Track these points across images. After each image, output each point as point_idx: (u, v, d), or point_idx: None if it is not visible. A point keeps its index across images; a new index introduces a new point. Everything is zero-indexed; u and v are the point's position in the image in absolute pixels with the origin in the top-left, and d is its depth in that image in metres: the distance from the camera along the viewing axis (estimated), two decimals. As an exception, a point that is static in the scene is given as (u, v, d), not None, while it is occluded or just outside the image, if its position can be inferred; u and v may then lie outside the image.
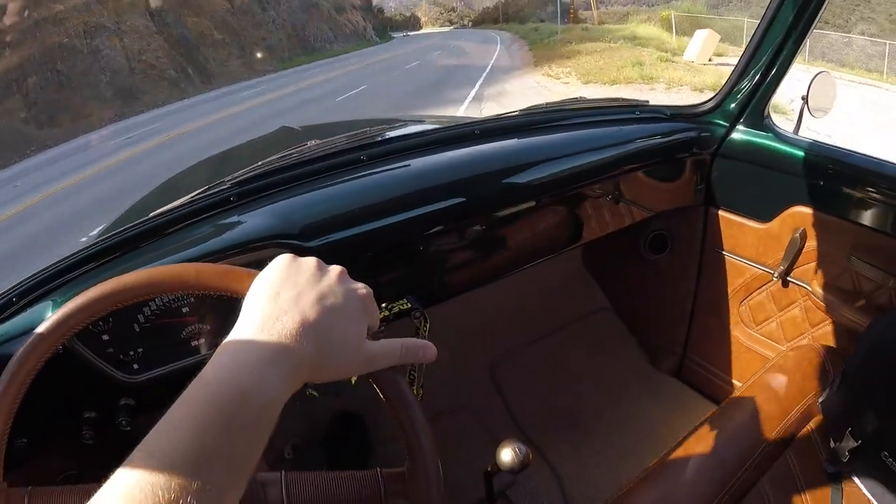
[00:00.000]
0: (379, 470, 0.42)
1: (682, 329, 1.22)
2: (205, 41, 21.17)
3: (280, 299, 0.30)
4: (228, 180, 0.79)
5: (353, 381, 0.80)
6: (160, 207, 0.74)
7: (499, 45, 18.74)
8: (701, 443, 0.70)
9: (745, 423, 0.72)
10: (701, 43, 9.98)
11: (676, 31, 14.37)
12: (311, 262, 0.33)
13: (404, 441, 0.39)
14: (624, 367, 1.34)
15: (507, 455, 0.59)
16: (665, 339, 1.29)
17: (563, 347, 1.40)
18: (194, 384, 0.26)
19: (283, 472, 0.42)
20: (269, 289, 0.30)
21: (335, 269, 0.34)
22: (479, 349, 1.36)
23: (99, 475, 0.24)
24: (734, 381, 1.15)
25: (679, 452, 0.69)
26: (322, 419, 1.18)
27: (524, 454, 0.60)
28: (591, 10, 25.39)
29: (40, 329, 0.40)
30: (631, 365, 1.34)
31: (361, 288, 0.34)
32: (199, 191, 0.78)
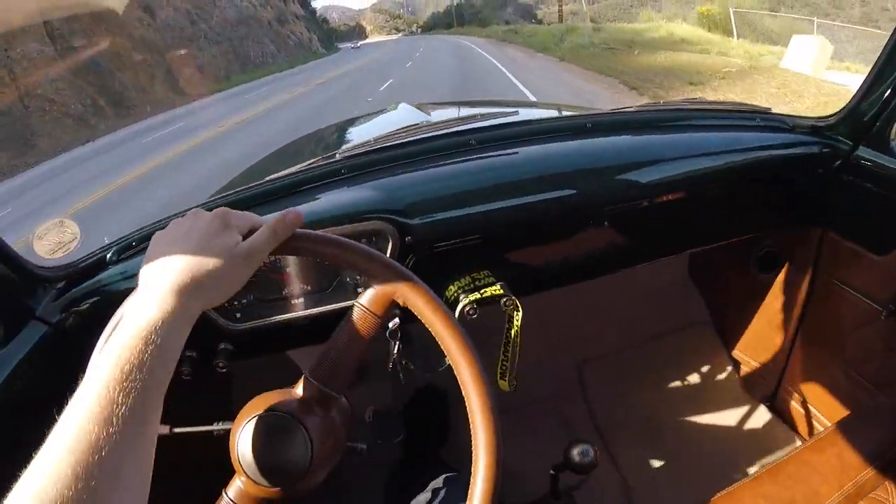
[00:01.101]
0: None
1: (782, 356, 1.26)
2: (121, 64, 20.10)
3: (155, 255, 0.43)
4: (340, 153, 0.92)
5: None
6: (274, 172, 0.87)
7: (488, 56, 16.58)
8: (781, 477, 0.75)
9: (830, 465, 0.77)
10: (813, 50, 8.51)
11: (730, 33, 12.68)
12: (182, 219, 0.46)
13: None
14: (714, 387, 1.40)
15: (576, 454, 0.66)
16: (762, 363, 1.33)
17: (655, 356, 1.46)
18: None
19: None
20: (152, 249, 0.44)
21: (193, 213, 0.46)
22: (571, 346, 1.45)
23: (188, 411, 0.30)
24: (826, 420, 1.18)
25: (756, 482, 0.75)
26: (407, 393, 1.35)
27: (593, 456, 0.66)
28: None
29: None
30: (722, 385, 1.40)
31: (214, 212, 0.46)
32: (313, 160, 0.92)
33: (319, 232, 0.50)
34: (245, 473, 0.49)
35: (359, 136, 1.46)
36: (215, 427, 0.64)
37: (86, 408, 0.33)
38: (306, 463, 0.48)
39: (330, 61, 29.08)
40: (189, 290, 0.41)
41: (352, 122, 1.83)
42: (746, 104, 1.07)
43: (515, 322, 0.86)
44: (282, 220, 0.46)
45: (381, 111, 1.77)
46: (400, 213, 0.77)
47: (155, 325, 0.37)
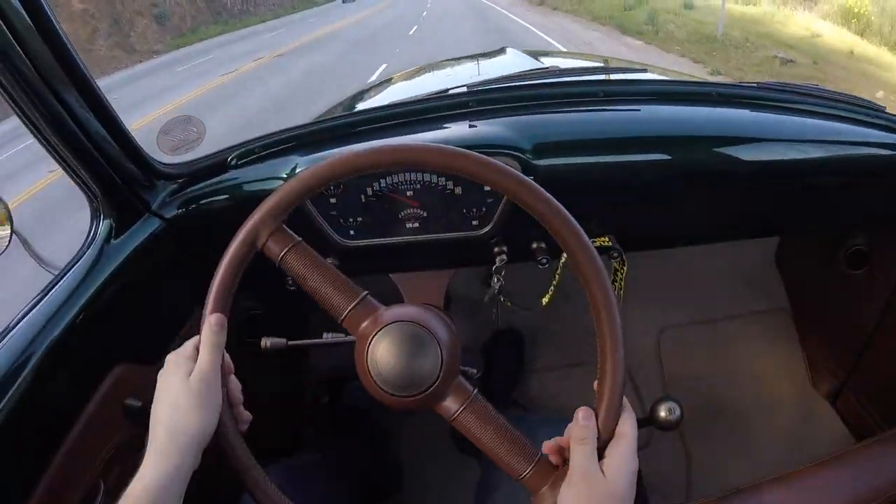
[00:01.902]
0: (540, 454, 0.57)
1: (854, 356, 1.42)
2: (57, 15, 20.87)
3: (153, 414, 0.57)
4: (468, 87, 1.06)
5: (545, 300, 1.07)
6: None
7: (537, 31, 13.14)
8: (842, 467, 0.86)
9: (889, 464, 0.86)
10: None
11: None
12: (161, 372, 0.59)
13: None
14: (783, 376, 1.61)
15: (663, 409, 0.79)
16: (833, 360, 1.51)
17: (730, 335, 1.68)
18: None
19: (474, 392, 0.59)
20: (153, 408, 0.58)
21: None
22: (652, 313, 1.68)
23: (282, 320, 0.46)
24: (886, 426, 1.33)
25: (814, 470, 0.85)
26: (486, 333, 1.60)
27: (679, 413, 0.79)
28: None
29: (341, 159, 0.60)
30: (791, 376, 1.60)
31: (171, 355, 0.60)
32: (439, 91, 1.07)
33: (448, 146, 0.61)
34: (373, 380, 0.59)
35: (475, 74, 1.64)
36: (331, 339, 0.76)
37: None
38: (434, 378, 0.58)
39: (321, 13, 28.15)
40: (179, 445, 0.54)
41: (465, 59, 2.05)
42: (864, 99, 1.19)
43: (620, 276, 1.01)
44: (207, 328, 0.60)
45: (490, 53, 1.99)
46: (526, 152, 0.89)
47: (147, 488, 0.51)
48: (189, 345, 0.61)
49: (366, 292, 0.63)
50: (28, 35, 0.66)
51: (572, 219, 0.59)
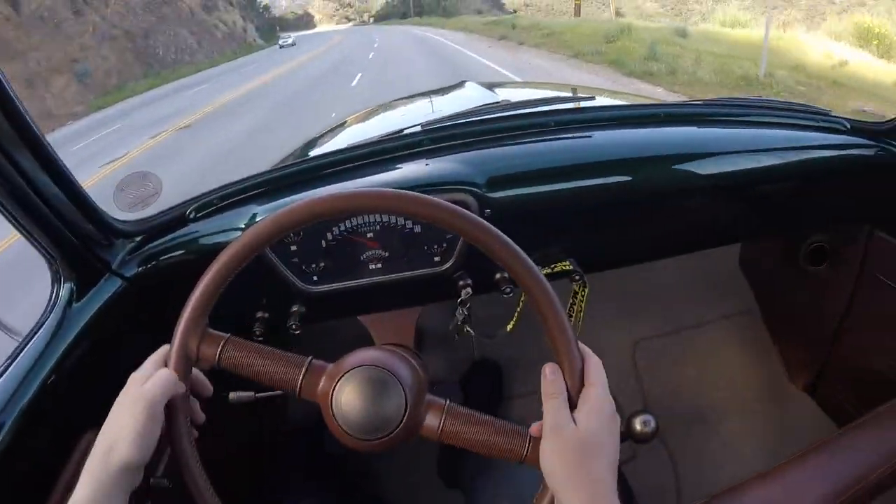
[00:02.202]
0: (529, 430, 0.61)
1: (825, 348, 1.56)
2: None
3: None
4: (423, 125, 1.13)
5: (510, 327, 1.17)
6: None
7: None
8: (822, 455, 0.96)
9: (870, 447, 0.97)
10: None
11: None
12: None
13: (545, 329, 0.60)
14: (758, 374, 1.75)
15: (639, 423, 0.81)
16: (806, 354, 1.65)
17: (703, 342, 1.82)
18: None
19: (447, 402, 0.63)
20: None
21: None
22: (625, 326, 1.81)
23: None
24: (865, 411, 1.42)
25: (796, 463, 0.95)
26: (463, 365, 1.70)
27: (654, 425, 0.81)
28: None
29: (260, 227, 0.62)
30: (766, 373, 1.75)
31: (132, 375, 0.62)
32: (394, 131, 1.12)
33: (405, 191, 0.64)
34: (341, 428, 0.62)
35: (429, 112, 1.74)
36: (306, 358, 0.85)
37: None
38: (400, 418, 0.62)
39: (261, 58, 29.24)
40: (108, 472, 0.56)
41: (421, 96, 2.16)
42: (809, 105, 1.32)
43: (580, 297, 1.09)
44: (164, 377, 0.62)
45: (448, 88, 2.10)
46: (481, 186, 0.96)
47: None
48: (146, 366, 0.64)
49: (310, 357, 0.66)
50: None
51: (504, 238, 0.63)
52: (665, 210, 1.14)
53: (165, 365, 0.64)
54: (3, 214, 0.81)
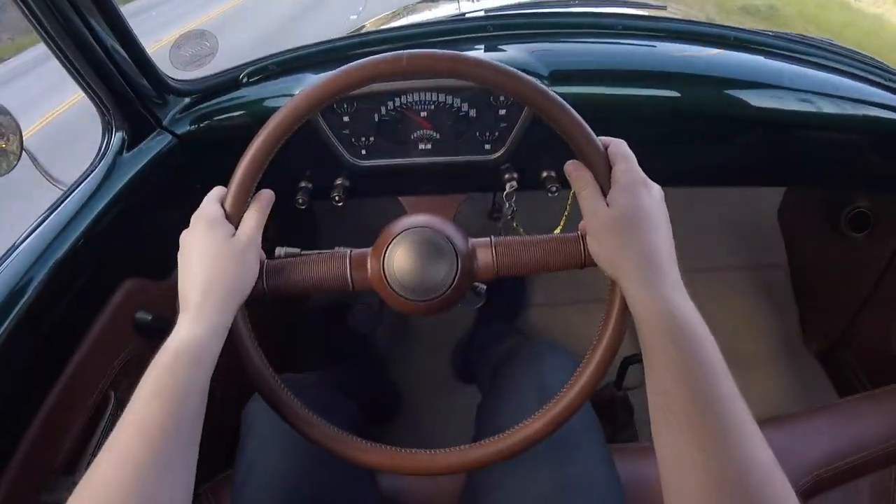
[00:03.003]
0: (579, 233, 0.62)
1: (847, 316, 1.52)
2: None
3: (182, 276, 0.60)
4: (486, 11, 1.11)
5: (559, 230, 1.10)
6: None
7: None
8: (817, 420, 0.96)
9: (882, 416, 0.96)
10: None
11: None
12: (185, 233, 0.62)
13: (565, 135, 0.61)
14: (774, 331, 1.72)
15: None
16: (826, 320, 1.61)
17: (726, 286, 1.78)
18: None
19: (492, 237, 0.65)
20: (180, 270, 0.61)
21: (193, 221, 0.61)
22: None
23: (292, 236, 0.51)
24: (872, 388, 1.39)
25: (794, 419, 0.96)
26: None
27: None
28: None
29: (309, 89, 0.60)
30: (782, 331, 1.72)
31: (200, 217, 0.61)
32: (458, 14, 1.12)
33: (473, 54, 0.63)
34: (390, 286, 0.63)
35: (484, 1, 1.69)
36: (342, 251, 0.88)
37: (127, 421, 0.50)
38: (450, 282, 0.63)
39: None
40: (214, 303, 0.56)
41: None
42: (880, 61, 1.26)
43: None
44: (259, 199, 0.63)
45: None
46: (543, 78, 0.94)
47: (186, 343, 0.53)
48: (213, 206, 0.63)
49: (348, 250, 0.67)
50: None
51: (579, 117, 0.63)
52: (713, 134, 1.11)
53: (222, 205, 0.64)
54: (62, 60, 0.82)
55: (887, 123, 1.12)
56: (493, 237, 0.66)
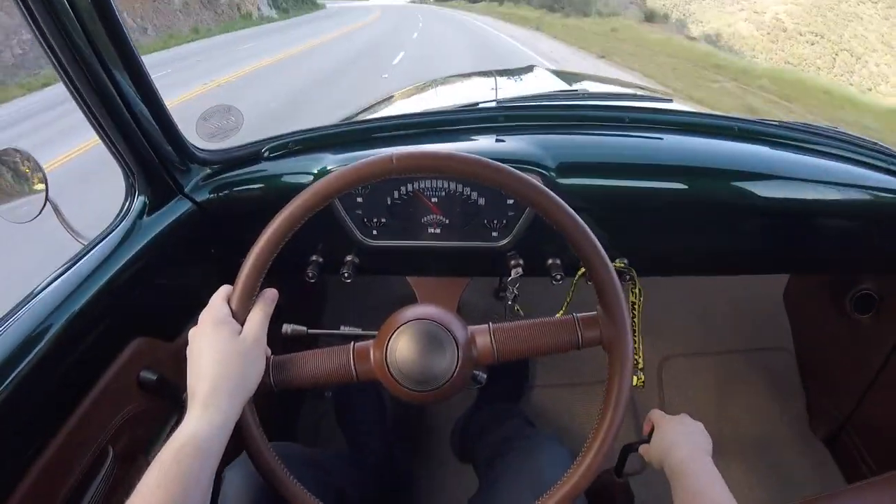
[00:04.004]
0: (575, 315, 0.66)
1: (854, 400, 1.51)
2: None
3: (191, 370, 0.62)
4: (498, 102, 1.13)
5: (561, 314, 1.14)
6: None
7: None
8: None
9: None
10: None
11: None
12: (195, 329, 0.65)
13: (595, 287, 0.64)
14: (781, 416, 1.70)
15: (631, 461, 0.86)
16: (833, 403, 1.60)
17: (732, 370, 1.77)
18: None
19: (490, 324, 0.67)
20: (189, 364, 0.63)
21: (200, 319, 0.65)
22: (656, 340, 1.77)
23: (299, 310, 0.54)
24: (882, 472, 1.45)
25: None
26: None
27: (640, 466, 0.86)
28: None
29: (331, 179, 0.64)
30: (788, 416, 1.70)
31: (207, 316, 0.64)
32: (469, 103, 1.14)
33: (473, 155, 0.66)
34: (392, 375, 0.65)
35: (497, 90, 1.73)
36: (348, 331, 0.86)
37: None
38: (450, 373, 0.65)
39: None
40: (221, 399, 0.59)
41: (487, 74, 2.14)
42: (884, 145, 1.27)
43: (634, 295, 1.09)
44: (263, 298, 0.67)
45: (517, 70, 2.12)
46: (551, 170, 0.97)
47: (193, 435, 0.55)
48: (220, 305, 0.66)
49: (352, 343, 0.70)
50: (87, 15, 0.74)
51: (594, 238, 0.65)
52: (719, 225, 1.13)
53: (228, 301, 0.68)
54: (94, 124, 0.86)
55: (891, 206, 1.14)
56: (490, 324, 0.68)
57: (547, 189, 0.64)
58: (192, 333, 0.65)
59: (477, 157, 0.65)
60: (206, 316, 0.66)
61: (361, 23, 29.93)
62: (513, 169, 0.64)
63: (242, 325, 0.65)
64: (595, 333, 0.66)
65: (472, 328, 0.68)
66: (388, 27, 27.20)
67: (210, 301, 0.67)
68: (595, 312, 0.67)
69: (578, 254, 0.64)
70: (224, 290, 0.68)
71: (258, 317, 0.66)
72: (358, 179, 0.65)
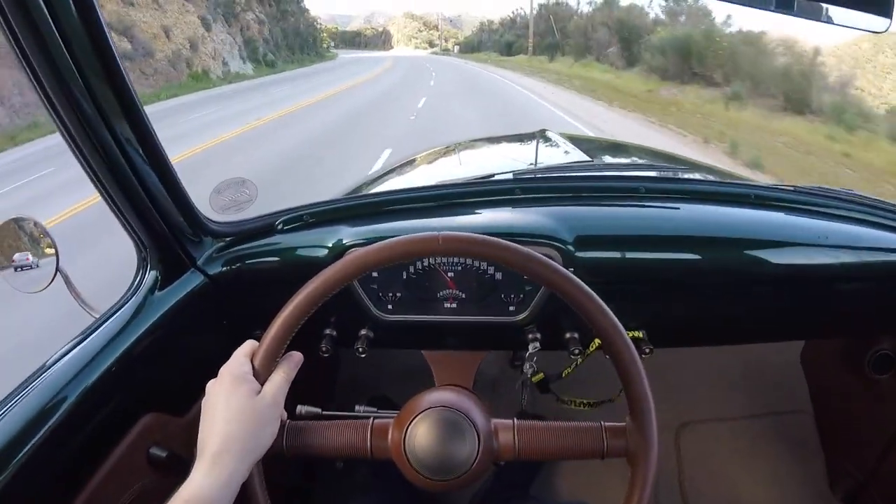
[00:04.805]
0: (602, 423, 0.64)
1: (874, 460, 1.49)
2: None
3: (204, 425, 0.61)
4: (514, 174, 1.14)
5: (565, 374, 1.10)
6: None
7: None
8: None
9: None
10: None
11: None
12: (212, 384, 0.63)
13: (628, 397, 0.63)
14: (800, 477, 1.68)
15: None
16: (853, 464, 1.58)
17: (750, 435, 1.75)
18: None
19: (515, 420, 0.65)
20: (202, 419, 0.62)
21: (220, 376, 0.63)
22: (673, 407, 1.72)
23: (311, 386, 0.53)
24: None
25: None
26: (509, 411, 1.60)
27: None
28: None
29: (362, 253, 0.64)
30: (808, 477, 1.68)
31: (226, 373, 0.63)
32: (483, 175, 1.15)
33: (523, 249, 0.66)
34: (410, 464, 0.63)
35: (513, 159, 1.77)
36: (363, 412, 0.83)
37: None
38: (471, 462, 0.63)
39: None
40: (231, 457, 0.58)
41: (498, 140, 2.19)
42: None
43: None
44: (288, 360, 0.66)
45: (528, 136, 2.11)
46: (568, 243, 0.96)
47: (198, 493, 0.55)
48: (243, 361, 0.65)
49: (371, 418, 0.69)
50: (99, 86, 0.73)
51: (612, 315, 0.66)
52: (734, 294, 1.12)
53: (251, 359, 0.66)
54: (106, 199, 0.85)
55: None
56: (515, 420, 0.67)
57: (596, 296, 0.66)
58: (210, 386, 0.64)
59: (528, 251, 0.65)
60: (226, 370, 0.64)
61: (350, 83, 23.53)
62: (564, 270, 0.66)
63: (262, 384, 0.64)
64: (621, 444, 0.65)
65: (495, 421, 0.67)
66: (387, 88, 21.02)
67: (233, 355, 0.66)
68: (623, 424, 0.66)
69: (618, 368, 0.66)
70: (248, 345, 0.67)
71: (279, 379, 0.65)
72: (402, 255, 0.66)
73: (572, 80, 19.61)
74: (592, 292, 0.64)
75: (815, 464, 1.68)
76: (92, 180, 0.83)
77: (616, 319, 0.64)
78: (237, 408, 0.60)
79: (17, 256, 0.89)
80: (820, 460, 1.67)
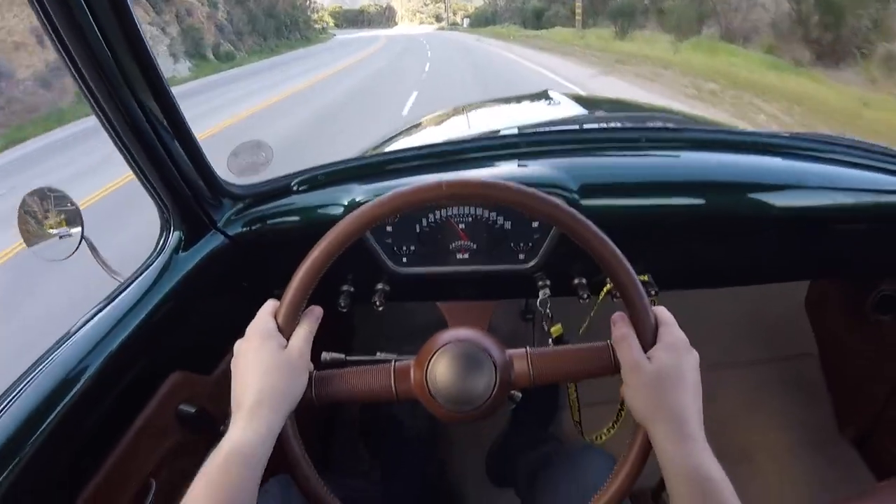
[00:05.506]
0: (609, 342, 0.66)
1: (881, 401, 1.52)
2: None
3: (236, 382, 0.64)
4: (520, 128, 1.16)
5: (582, 331, 1.12)
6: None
7: None
8: None
9: None
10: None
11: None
12: (241, 342, 0.66)
13: (629, 312, 0.65)
14: (808, 420, 1.71)
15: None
16: (860, 404, 1.61)
17: (757, 379, 1.79)
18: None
19: (528, 348, 0.68)
20: (234, 376, 0.65)
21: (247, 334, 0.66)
22: None
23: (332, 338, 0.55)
24: None
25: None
26: None
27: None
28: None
29: (371, 206, 0.66)
30: (816, 420, 1.71)
31: (254, 330, 0.66)
32: (490, 131, 1.17)
33: (523, 187, 0.69)
34: (432, 396, 0.67)
35: (517, 116, 1.81)
36: (384, 356, 0.90)
37: None
38: (489, 394, 0.66)
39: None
40: (266, 410, 0.60)
41: (504, 101, 2.22)
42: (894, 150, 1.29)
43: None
44: (309, 315, 0.68)
45: (532, 96, 2.15)
46: (574, 192, 0.99)
47: (239, 445, 0.56)
48: (267, 319, 0.67)
49: (392, 361, 0.71)
50: (125, 58, 0.77)
51: (618, 250, 0.68)
52: (737, 237, 1.15)
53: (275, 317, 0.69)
54: (130, 162, 0.88)
55: None
56: (528, 348, 0.70)
57: (589, 222, 0.68)
58: (238, 345, 0.66)
59: (526, 188, 0.67)
60: (252, 329, 0.67)
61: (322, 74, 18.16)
62: (561, 202, 0.68)
63: (288, 339, 0.67)
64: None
65: (510, 351, 0.70)
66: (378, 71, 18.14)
67: (257, 314, 0.69)
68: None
69: (617, 287, 0.67)
70: (271, 304, 0.69)
71: (303, 332, 0.67)
72: (408, 203, 0.68)
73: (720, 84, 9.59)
74: (589, 222, 0.68)
75: (823, 406, 1.71)
76: (118, 147, 0.86)
77: (619, 251, 0.68)
78: (268, 362, 0.63)
79: (40, 226, 0.93)
80: (827, 402, 1.71)
